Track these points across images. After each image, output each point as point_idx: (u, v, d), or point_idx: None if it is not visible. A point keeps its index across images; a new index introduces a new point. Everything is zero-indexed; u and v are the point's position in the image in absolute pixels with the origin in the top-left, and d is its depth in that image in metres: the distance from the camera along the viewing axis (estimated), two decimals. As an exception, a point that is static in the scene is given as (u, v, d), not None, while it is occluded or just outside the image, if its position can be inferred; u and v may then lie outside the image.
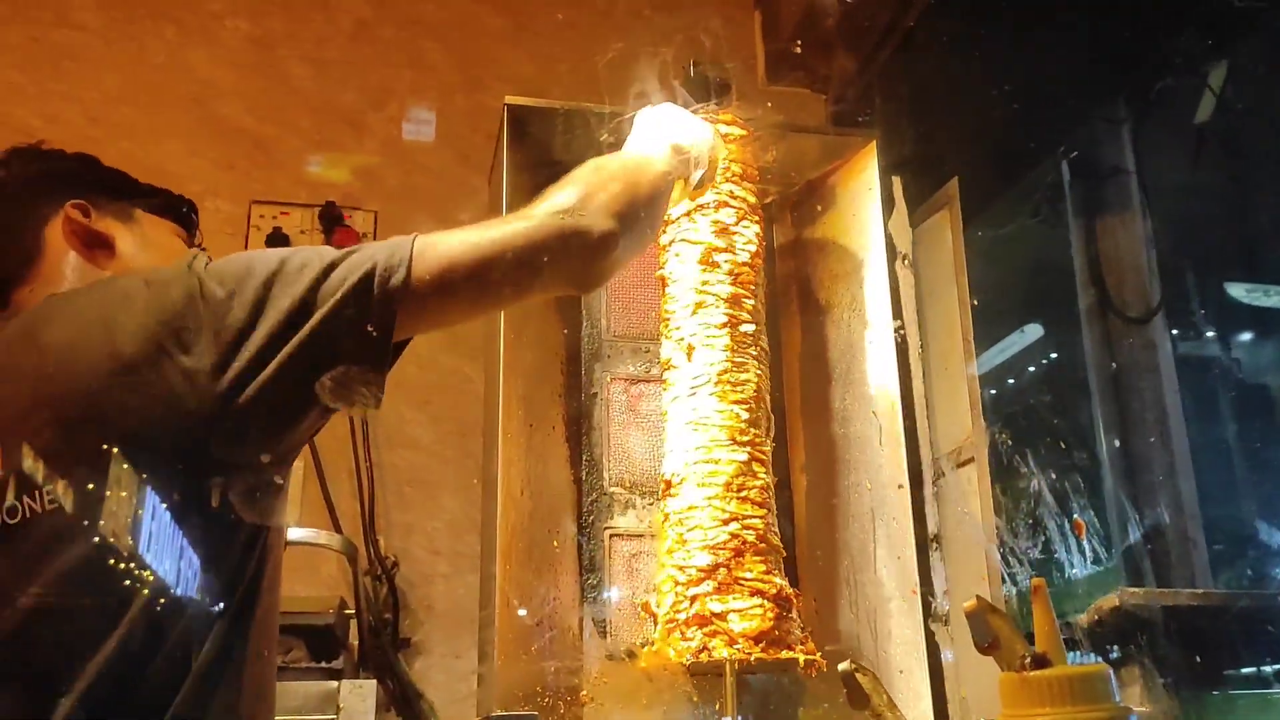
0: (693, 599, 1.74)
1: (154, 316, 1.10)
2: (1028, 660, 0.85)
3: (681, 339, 1.92)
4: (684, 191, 1.76)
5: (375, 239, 2.75)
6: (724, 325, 1.90)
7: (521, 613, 1.92)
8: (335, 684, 1.88)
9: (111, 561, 1.03)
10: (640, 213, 1.38)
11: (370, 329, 1.12)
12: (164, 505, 1.06)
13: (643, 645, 1.87)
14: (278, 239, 2.67)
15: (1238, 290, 5.25)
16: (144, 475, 1.05)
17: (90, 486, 1.04)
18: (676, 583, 1.76)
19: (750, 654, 1.68)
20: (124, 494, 1.03)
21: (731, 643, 1.71)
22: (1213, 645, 1.89)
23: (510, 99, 2.08)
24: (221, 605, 1.10)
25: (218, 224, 2.68)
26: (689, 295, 1.94)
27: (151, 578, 1.04)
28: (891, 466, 2.03)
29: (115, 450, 1.05)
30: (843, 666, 1.02)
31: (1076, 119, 3.47)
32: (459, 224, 2.83)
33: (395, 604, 2.49)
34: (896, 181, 2.14)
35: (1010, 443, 2.22)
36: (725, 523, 1.80)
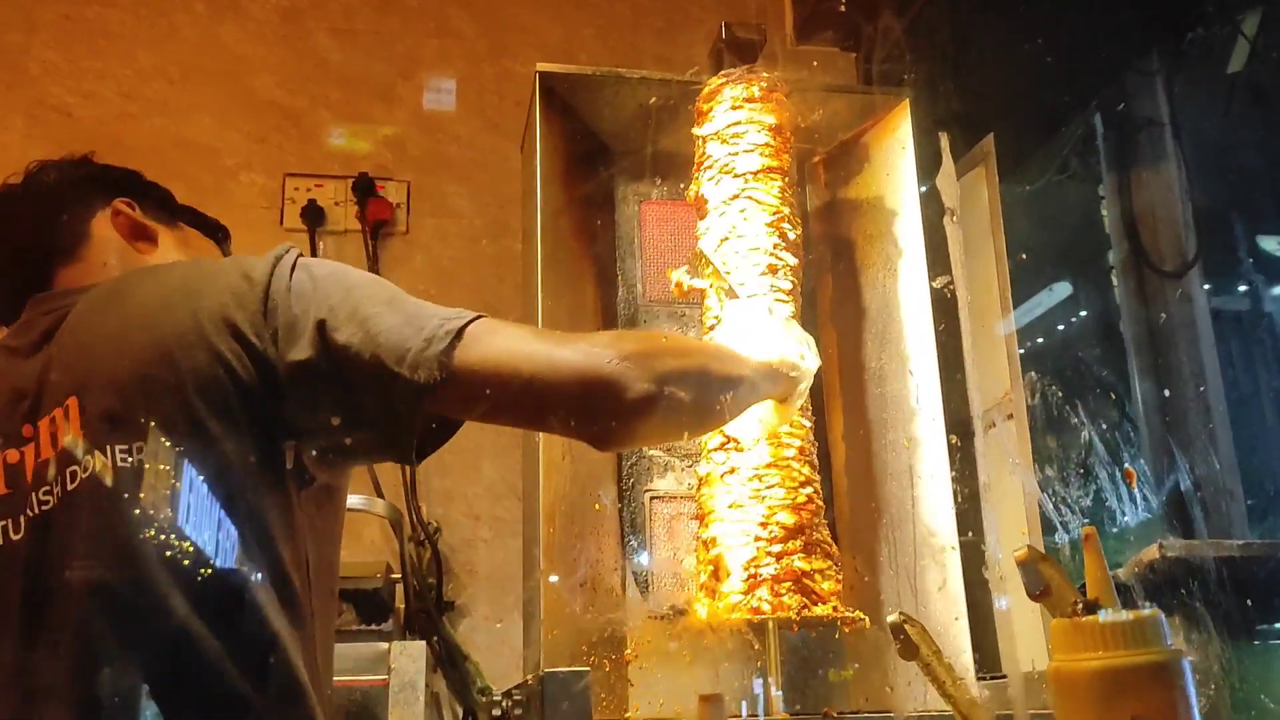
0: (778, 556, 1.75)
1: (240, 289, 1.14)
2: (1080, 606, 0.86)
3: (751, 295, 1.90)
4: (780, 415, 1.66)
5: (409, 209, 2.78)
6: (789, 292, 1.90)
7: (555, 579, 1.95)
8: (386, 645, 1.92)
9: (180, 520, 1.05)
10: (693, 397, 1.24)
11: (398, 407, 1.11)
12: (234, 465, 1.09)
13: (690, 604, 1.89)
14: (313, 211, 2.69)
15: (1270, 243, 5.20)
16: (215, 435, 1.08)
17: (166, 444, 1.06)
18: (758, 539, 1.76)
19: (798, 612, 1.70)
20: (196, 453, 1.06)
21: (818, 601, 1.73)
22: (1253, 596, 1.89)
23: (542, 65, 2.09)
24: (289, 564, 1.12)
25: (252, 197, 2.71)
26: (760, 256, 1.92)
27: (221, 535, 1.07)
28: (929, 422, 2.04)
29: (188, 411, 1.08)
30: (891, 618, 1.03)
31: (1109, 72, 3.42)
32: (490, 191, 2.84)
33: (439, 568, 2.53)
34: (944, 137, 2.13)
35: (1050, 396, 2.22)
36: (801, 485, 1.82)
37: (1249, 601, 1.86)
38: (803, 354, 1.61)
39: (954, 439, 1.98)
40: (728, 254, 1.91)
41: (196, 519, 1.05)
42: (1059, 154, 3.83)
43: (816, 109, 2.13)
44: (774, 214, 1.95)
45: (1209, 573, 1.84)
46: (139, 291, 1.19)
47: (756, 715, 1.77)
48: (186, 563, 1.05)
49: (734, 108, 1.99)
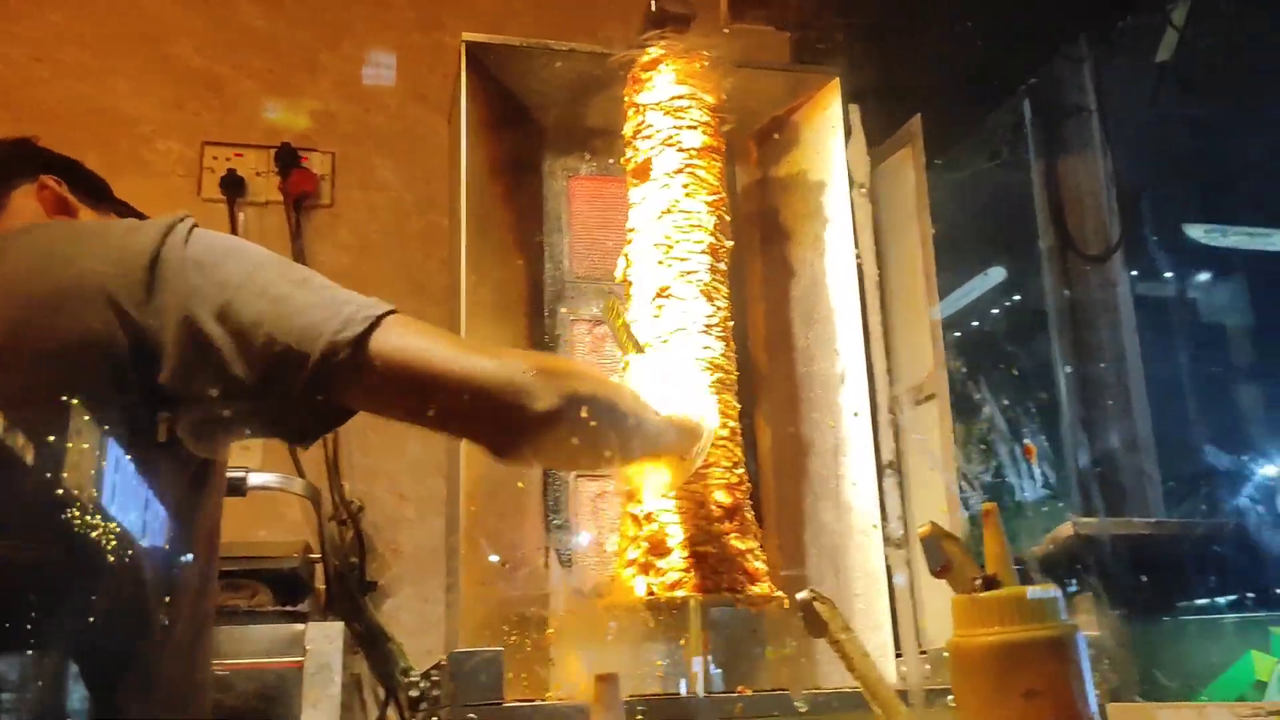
0: (716, 535, 1.74)
1: (120, 255, 1.09)
2: (978, 582, 0.86)
3: (690, 272, 1.88)
4: (678, 473, 1.62)
5: (334, 182, 2.72)
6: (714, 271, 1.89)
7: (492, 558, 1.93)
8: (301, 627, 1.88)
9: (50, 493, 1.01)
10: (598, 424, 1.22)
11: (299, 388, 1.08)
12: (110, 439, 1.05)
13: (614, 582, 1.88)
14: (232, 181, 2.62)
15: (1196, 230, 5.31)
16: (81, 405, 1.04)
17: (29, 412, 1.02)
18: (697, 517, 1.76)
19: (738, 591, 1.70)
20: (57, 423, 1.01)
21: (752, 581, 1.73)
22: (1163, 573, 1.94)
23: (468, 35, 2.05)
24: (166, 540, 1.09)
25: (169, 165, 2.63)
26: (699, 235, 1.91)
27: (91, 511, 1.03)
28: (853, 401, 2.05)
29: (51, 379, 1.04)
30: (801, 595, 1.03)
31: (1039, 57, 3.46)
32: (417, 164, 2.78)
33: (361, 547, 2.49)
34: (854, 110, 2.13)
35: (972, 379, 2.25)
36: (734, 465, 1.82)
37: (1158, 578, 1.90)
38: (703, 414, 1.60)
39: (856, 414, 2.00)
40: (668, 229, 1.89)
41: (58, 492, 1.01)
42: (991, 139, 3.88)
43: (747, 86, 2.12)
44: (714, 195, 1.95)
45: (1119, 550, 1.88)
46: (14, 251, 1.15)
47: (678, 694, 1.77)
48: (54, 534, 1.01)
49: (678, 81, 1.98)
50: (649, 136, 1.96)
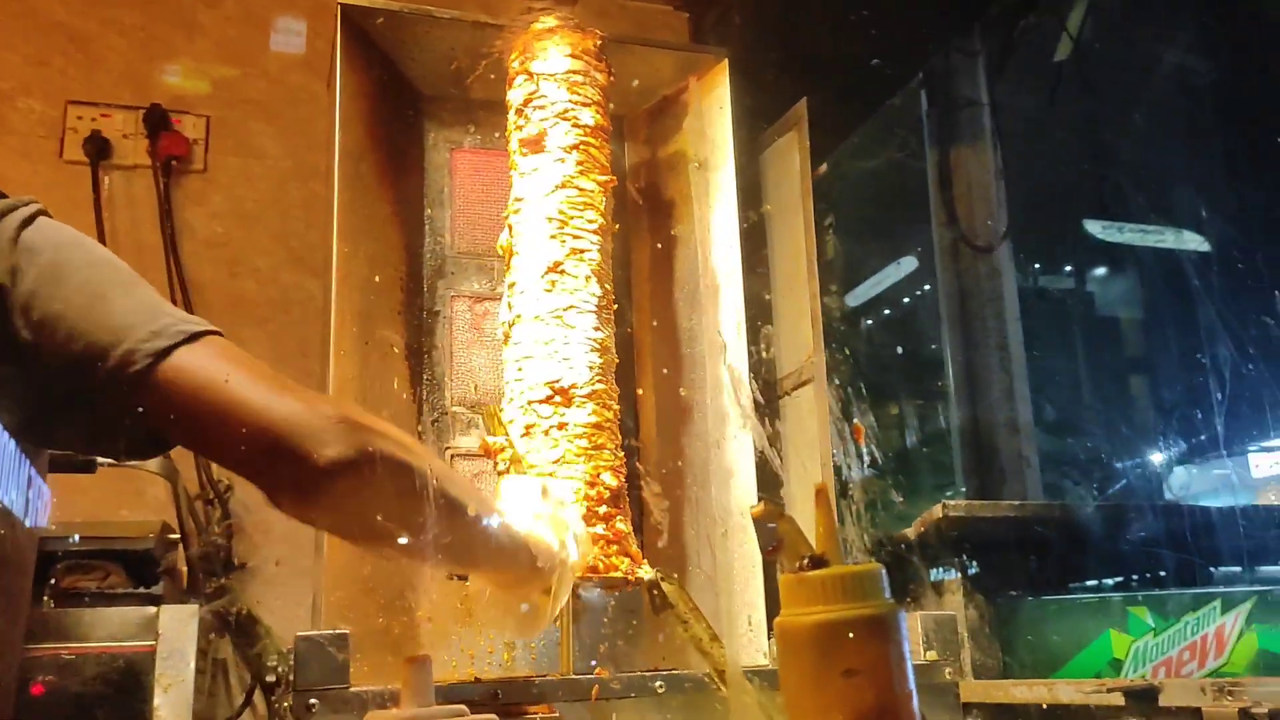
0: (605, 517, 1.71)
1: None
2: (805, 561, 0.85)
3: (582, 251, 1.86)
4: (542, 610, 1.40)
5: (207, 146, 2.61)
6: (602, 253, 1.88)
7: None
8: (154, 610, 1.80)
9: None
10: (394, 491, 1.08)
11: (89, 393, 1.00)
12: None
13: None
14: (97, 142, 2.49)
15: (1093, 226, 5.46)
16: None
17: None
18: (586, 498, 1.72)
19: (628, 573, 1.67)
20: None
21: (637, 563, 1.70)
22: (1029, 554, 1.98)
23: (346, -1, 1.97)
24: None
25: (29, 125, 2.49)
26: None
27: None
28: (735, 383, 2.04)
29: None
30: (646, 575, 1.00)
31: (934, 48, 3.50)
32: (299, 131, 2.68)
33: (229, 528, 2.40)
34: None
35: (852, 365, 2.26)
36: (619, 446, 1.80)
37: (1023, 559, 1.94)
38: (564, 543, 1.43)
39: (741, 402, 1.99)
40: (561, 204, 1.86)
41: None
42: (892, 129, 3.92)
43: (638, 64, 2.09)
44: (605, 175, 1.92)
45: (987, 532, 1.91)
46: None
47: (546, 674, 1.74)
48: None
49: (573, 55, 1.93)
50: (542, 107, 1.91)
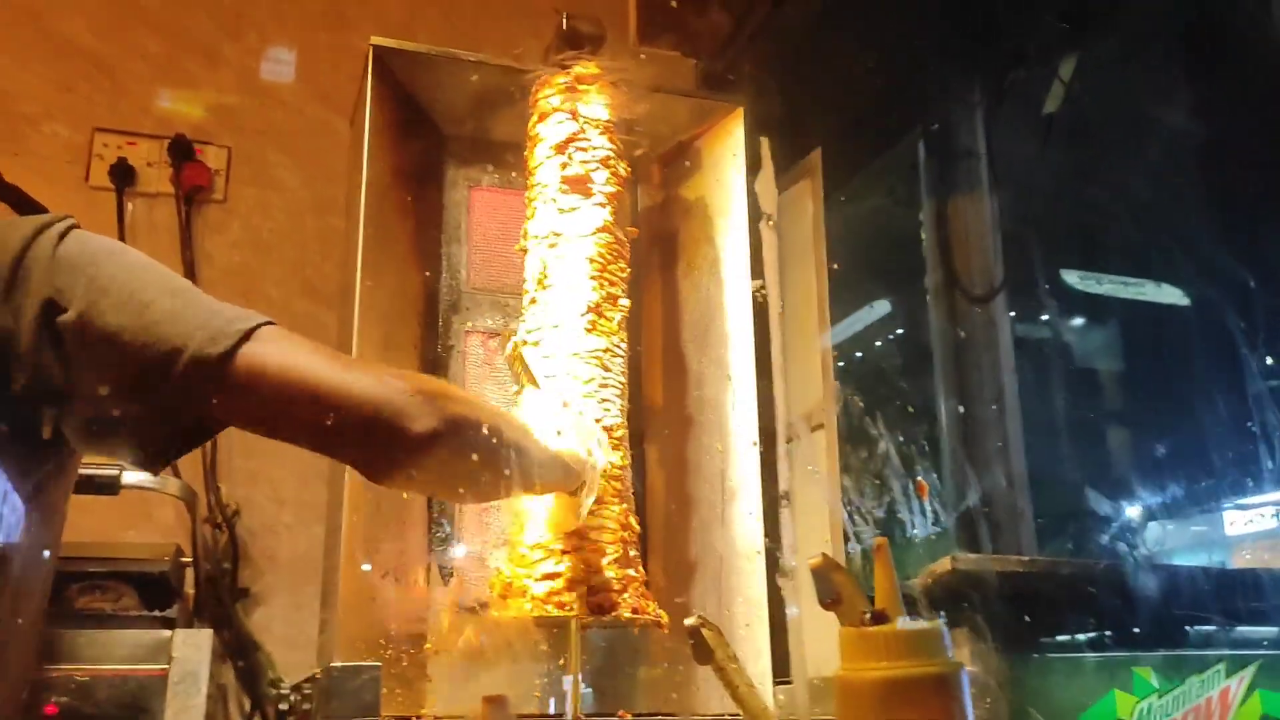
0: (634, 561, 1.77)
1: None
2: (867, 616, 0.88)
3: (615, 298, 1.93)
4: (570, 511, 1.63)
5: (228, 177, 2.65)
6: (628, 297, 1.94)
7: (366, 567, 1.89)
8: (168, 633, 1.81)
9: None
10: (478, 450, 1.19)
11: (159, 403, 1.03)
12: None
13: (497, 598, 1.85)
14: (123, 170, 2.53)
15: (1072, 277, 5.54)
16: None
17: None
18: (623, 540, 1.76)
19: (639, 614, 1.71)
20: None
21: (637, 603, 1.74)
22: (1037, 610, 1.99)
23: (376, 40, 2.02)
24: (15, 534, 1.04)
25: (55, 150, 2.52)
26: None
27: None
28: (743, 428, 2.07)
29: None
30: (689, 621, 1.04)
31: (935, 101, 3.58)
32: (317, 164, 2.73)
33: (235, 552, 2.42)
34: (765, 142, 2.16)
35: (860, 410, 2.30)
36: (627, 491, 1.84)
37: (1031, 616, 1.96)
38: (590, 449, 1.60)
39: (754, 443, 2.02)
40: (600, 248, 1.91)
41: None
42: (885, 176, 3.99)
43: (644, 102, 2.14)
44: (632, 229, 2.02)
45: (996, 586, 1.93)
46: None
47: (560, 714, 1.76)
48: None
49: (610, 104, 2.00)
50: (585, 149, 1.97)
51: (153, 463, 1.11)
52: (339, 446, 1.15)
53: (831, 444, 2.04)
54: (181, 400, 1.03)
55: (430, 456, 1.12)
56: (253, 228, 2.66)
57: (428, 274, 2.20)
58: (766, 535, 2.02)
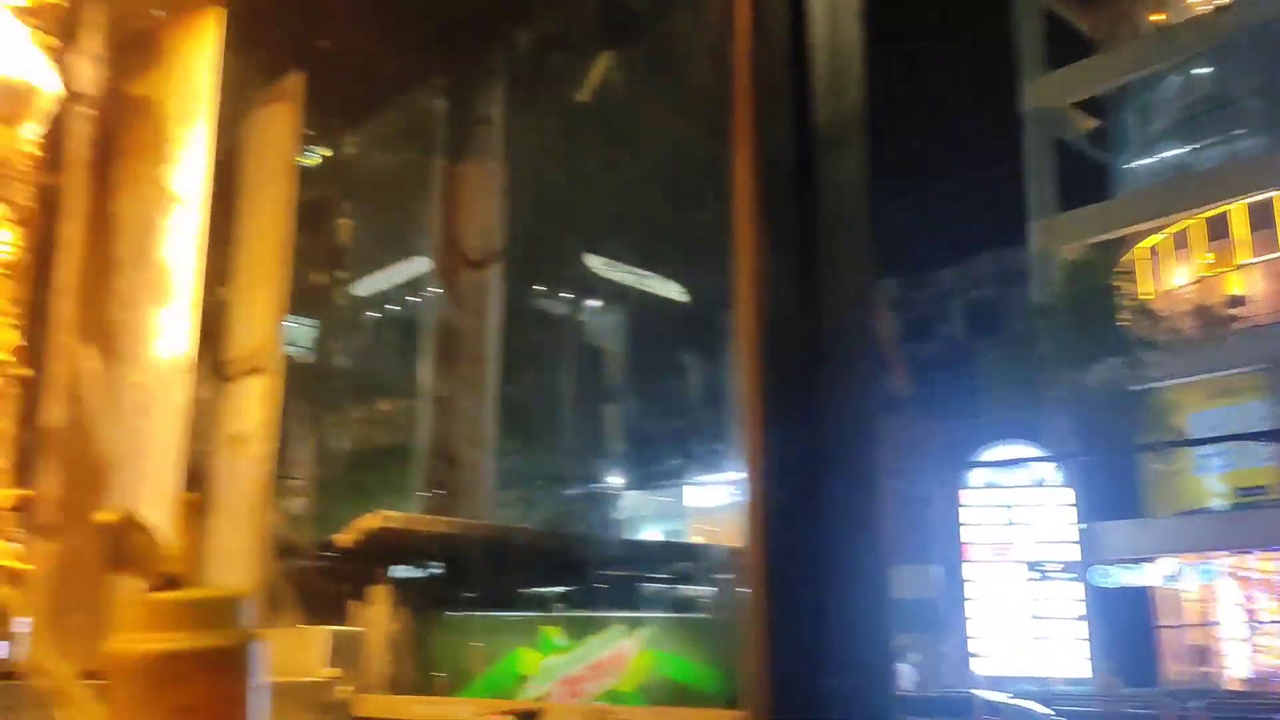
0: None
1: None
2: (159, 581, 0.74)
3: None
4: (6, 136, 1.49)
5: None
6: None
7: None
8: None
9: None
10: None
11: None
12: None
13: None
14: None
15: (596, 261, 5.83)
16: None
17: None
18: None
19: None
20: None
21: None
22: (460, 571, 1.99)
23: None
24: None
25: None
26: None
27: None
28: (173, 361, 1.84)
29: None
30: None
31: (457, 59, 3.50)
32: None
33: None
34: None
35: (310, 363, 2.16)
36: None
37: (454, 576, 1.96)
38: (42, 72, 1.49)
39: (181, 383, 1.81)
40: None
41: None
42: (413, 130, 3.86)
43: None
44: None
45: (422, 546, 1.89)
46: None
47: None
48: None
49: None
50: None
51: None
52: None
53: (272, 390, 1.88)
54: None
55: None
56: None
57: None
58: (200, 480, 1.82)
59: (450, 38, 3.18)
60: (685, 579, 2.30)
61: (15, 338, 1.48)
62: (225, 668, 0.71)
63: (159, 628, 0.70)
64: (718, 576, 2.19)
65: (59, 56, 1.66)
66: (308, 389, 2.10)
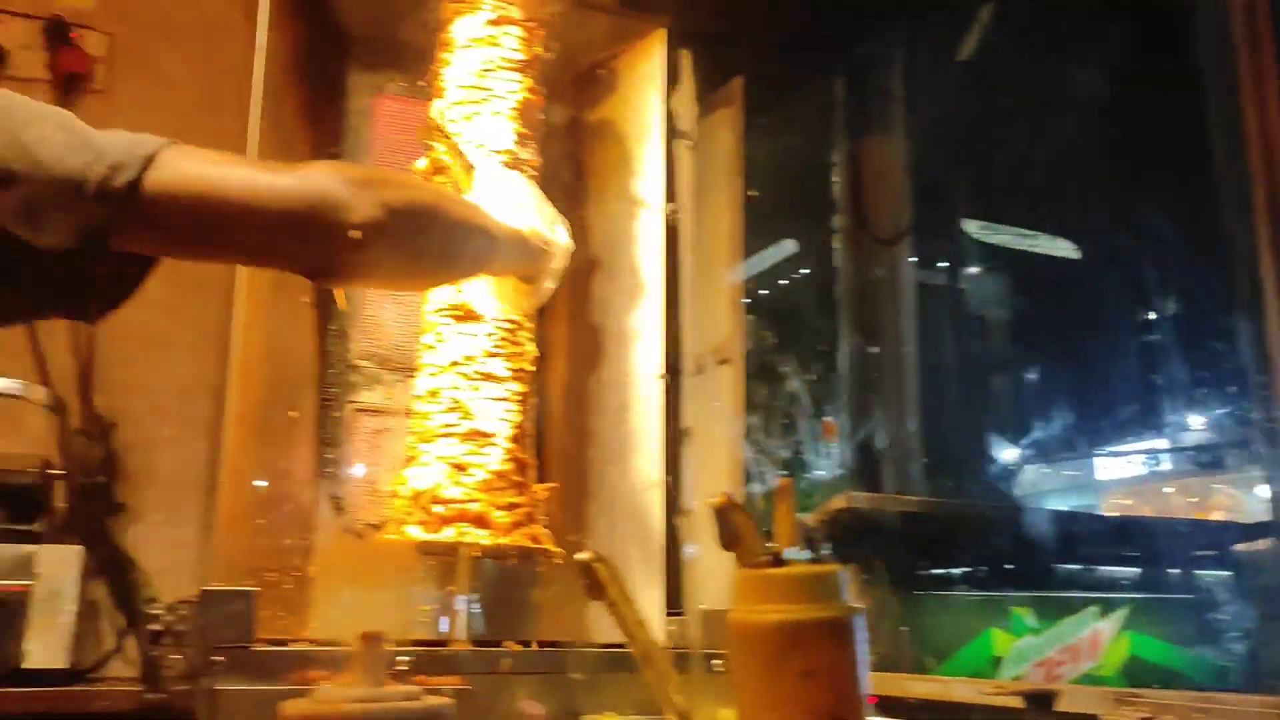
0: (528, 490, 1.75)
1: None
2: (766, 559, 0.85)
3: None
4: (528, 297, 1.63)
5: (111, 65, 2.47)
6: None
7: (257, 483, 1.81)
8: (33, 548, 1.71)
9: None
10: (424, 234, 1.15)
11: (67, 244, 0.94)
12: None
13: (386, 522, 1.80)
14: (-8, 50, 2.33)
15: (971, 226, 5.64)
16: None
17: None
18: (517, 466, 1.74)
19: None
20: None
21: (532, 535, 1.72)
22: (926, 549, 2.03)
23: (274, -74, 1.88)
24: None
25: (-83, 23, 2.31)
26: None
27: None
28: (648, 359, 2.03)
29: None
30: (581, 555, 1.00)
31: (858, 37, 3.54)
32: (211, 62, 2.57)
33: (110, 466, 2.29)
34: (685, 56, 2.09)
35: (767, 347, 2.28)
36: (525, 417, 1.82)
37: (921, 555, 1.99)
38: (554, 228, 1.57)
39: (667, 378, 1.98)
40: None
41: None
42: (805, 113, 3.96)
43: (572, 27, 2.06)
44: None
45: (888, 525, 1.95)
46: None
47: (444, 642, 1.72)
48: None
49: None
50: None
51: (91, 316, 1.04)
52: (273, 253, 1.10)
53: (738, 380, 2.02)
54: (90, 241, 0.95)
55: (374, 247, 1.06)
56: (136, 124, 2.47)
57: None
58: (667, 471, 1.99)
59: (855, 18, 3.20)
60: (1156, 558, 2.20)
61: (534, 350, 1.70)
62: (838, 637, 0.80)
63: (780, 600, 0.80)
64: (1199, 555, 2.08)
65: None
66: (754, 376, 2.22)
